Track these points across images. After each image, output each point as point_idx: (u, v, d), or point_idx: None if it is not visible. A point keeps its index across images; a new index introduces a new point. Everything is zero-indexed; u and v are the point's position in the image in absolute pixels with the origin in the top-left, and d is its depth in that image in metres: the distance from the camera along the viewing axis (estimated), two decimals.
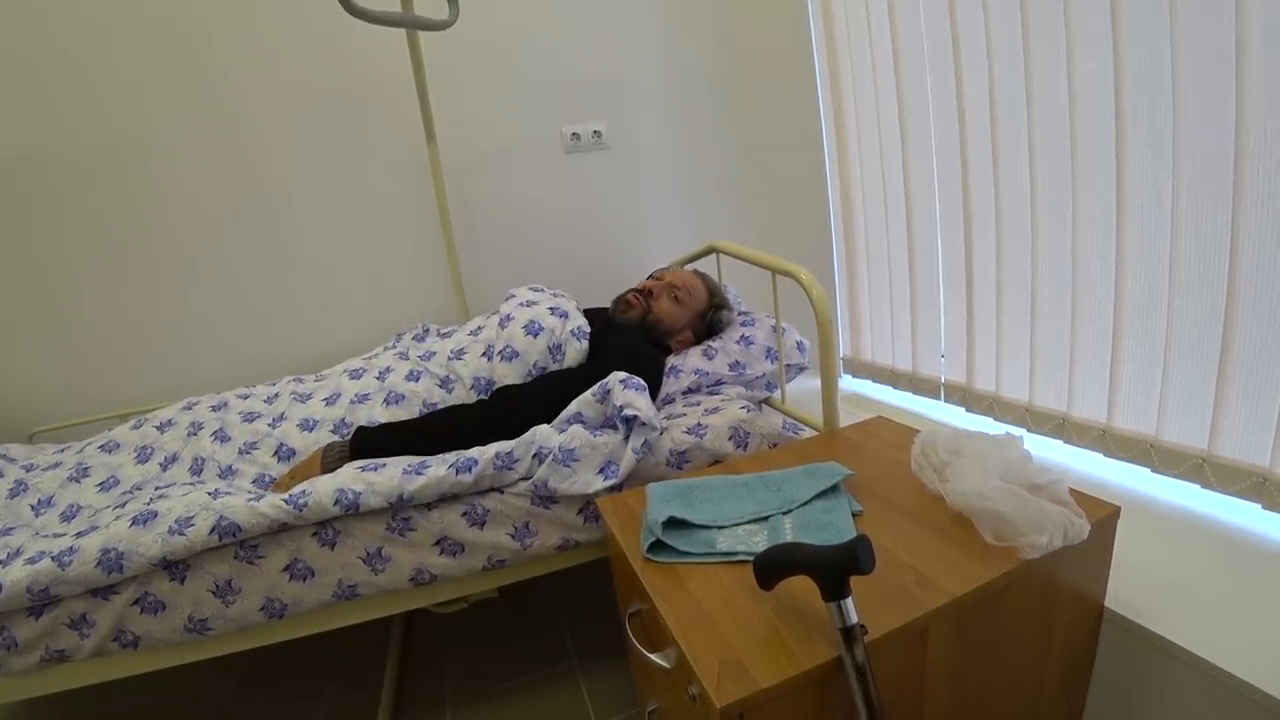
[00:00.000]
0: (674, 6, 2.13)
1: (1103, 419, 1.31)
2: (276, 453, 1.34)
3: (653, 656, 0.80)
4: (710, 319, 1.58)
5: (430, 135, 1.81)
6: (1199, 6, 1.01)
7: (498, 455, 1.12)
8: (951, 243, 1.61)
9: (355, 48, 1.81)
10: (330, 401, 1.45)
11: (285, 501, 1.03)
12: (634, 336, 1.47)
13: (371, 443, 1.22)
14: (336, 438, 1.35)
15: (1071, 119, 1.24)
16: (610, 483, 1.12)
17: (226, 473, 1.31)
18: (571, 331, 1.45)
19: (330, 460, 1.20)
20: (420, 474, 1.08)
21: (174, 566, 1.01)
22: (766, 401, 1.49)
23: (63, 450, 1.43)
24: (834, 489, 0.97)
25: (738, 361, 1.47)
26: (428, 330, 1.76)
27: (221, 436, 1.37)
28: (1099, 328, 1.28)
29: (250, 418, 1.43)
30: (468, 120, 1.96)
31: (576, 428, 1.17)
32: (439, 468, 1.10)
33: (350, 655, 1.49)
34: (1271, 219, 0.99)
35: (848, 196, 1.97)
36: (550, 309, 1.48)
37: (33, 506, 1.25)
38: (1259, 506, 1.08)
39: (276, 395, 1.51)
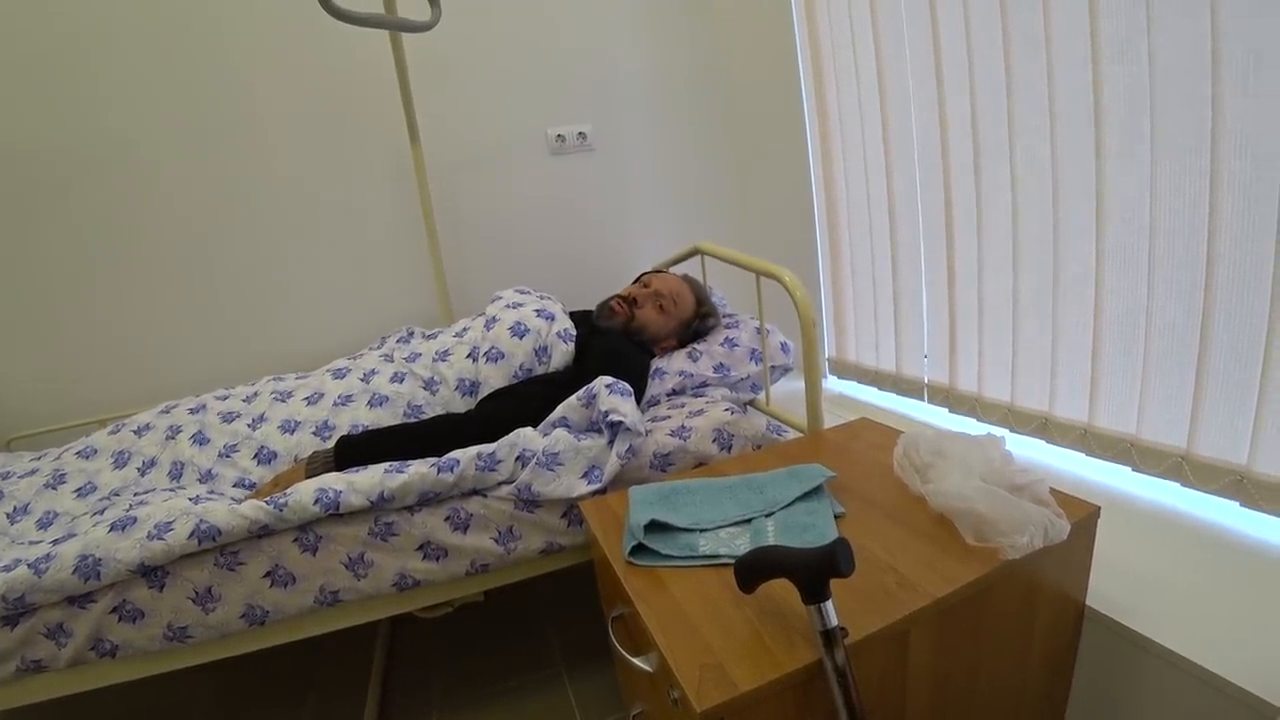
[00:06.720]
0: (659, 9, 2.13)
1: (1084, 419, 1.32)
2: (257, 456, 1.32)
3: (635, 660, 0.79)
4: (695, 327, 1.57)
5: (414, 136, 1.80)
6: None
7: (480, 455, 1.11)
8: (934, 244, 1.62)
9: (338, 49, 1.79)
10: (312, 401, 1.44)
11: (266, 502, 1.02)
12: (620, 340, 1.47)
13: (357, 451, 1.21)
14: (319, 440, 1.34)
15: (1051, 119, 1.25)
16: (594, 487, 1.11)
17: (206, 477, 1.29)
18: (558, 334, 1.44)
19: (315, 469, 1.19)
20: (402, 472, 1.08)
21: (152, 574, 0.99)
22: (751, 403, 1.49)
23: (40, 457, 1.41)
24: (817, 491, 0.97)
25: (722, 364, 1.47)
26: (412, 333, 1.74)
27: (200, 439, 1.35)
28: (1080, 329, 1.30)
29: (229, 418, 1.41)
30: (452, 121, 1.95)
31: (560, 431, 1.16)
32: (421, 466, 1.09)
33: (334, 661, 1.48)
34: (1249, 221, 1.00)
35: (832, 198, 1.97)
36: (536, 311, 1.48)
37: (8, 514, 1.23)
38: (1237, 504, 1.09)
39: (256, 394, 1.49)
